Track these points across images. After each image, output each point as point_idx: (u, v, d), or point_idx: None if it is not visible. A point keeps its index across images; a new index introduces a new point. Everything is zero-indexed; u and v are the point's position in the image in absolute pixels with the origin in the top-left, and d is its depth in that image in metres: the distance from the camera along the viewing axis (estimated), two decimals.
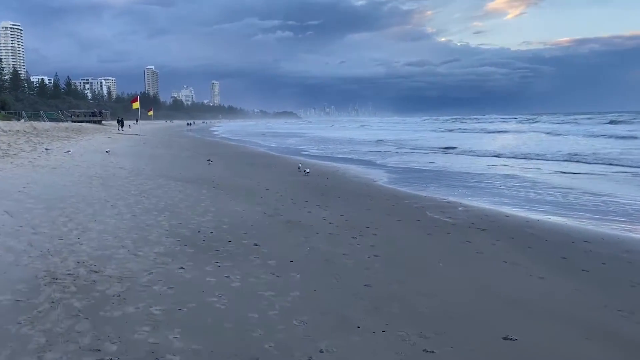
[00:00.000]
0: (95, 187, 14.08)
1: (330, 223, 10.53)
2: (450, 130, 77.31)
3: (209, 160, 24.20)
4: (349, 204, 13.25)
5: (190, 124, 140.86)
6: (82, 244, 8.05)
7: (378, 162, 27.91)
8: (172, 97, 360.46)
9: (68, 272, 6.69)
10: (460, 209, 12.94)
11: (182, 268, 7.11)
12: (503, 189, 17.23)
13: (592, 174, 21.43)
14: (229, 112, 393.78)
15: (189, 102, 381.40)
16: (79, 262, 7.12)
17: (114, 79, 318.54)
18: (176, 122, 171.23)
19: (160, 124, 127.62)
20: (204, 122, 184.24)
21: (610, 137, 45.42)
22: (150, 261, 7.35)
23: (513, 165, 25.51)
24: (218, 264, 7.35)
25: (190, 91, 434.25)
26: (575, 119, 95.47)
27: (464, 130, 75.18)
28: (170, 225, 9.69)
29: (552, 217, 12.13)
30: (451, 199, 14.77)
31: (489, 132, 65.69)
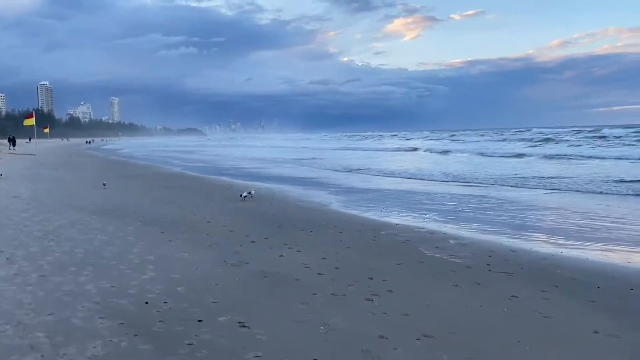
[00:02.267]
0: None
1: (319, 274, 7.93)
2: (354, 149, 77.15)
3: (104, 184, 20.73)
4: (320, 240, 10.70)
5: (90, 142, 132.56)
6: None
7: (309, 180, 25.52)
8: (68, 114, 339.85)
9: None
10: (452, 241, 10.81)
11: None
12: (466, 211, 15.50)
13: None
14: (130, 129, 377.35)
15: (87, 119, 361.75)
16: None
17: (3, 94, 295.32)
18: (73, 140, 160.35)
19: (57, 142, 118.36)
20: (102, 140, 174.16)
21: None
22: None
23: (440, 184, 24.06)
24: None
25: (88, 108, 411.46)
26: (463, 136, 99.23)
27: (366, 149, 75.29)
28: (100, 293, 6.66)
29: (562, 249, 10.26)
30: (427, 226, 12.68)
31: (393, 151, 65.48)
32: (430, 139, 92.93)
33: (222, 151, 70.07)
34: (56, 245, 9.16)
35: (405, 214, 14.92)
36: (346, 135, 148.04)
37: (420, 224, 13.07)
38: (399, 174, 29.13)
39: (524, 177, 25.04)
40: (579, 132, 75.65)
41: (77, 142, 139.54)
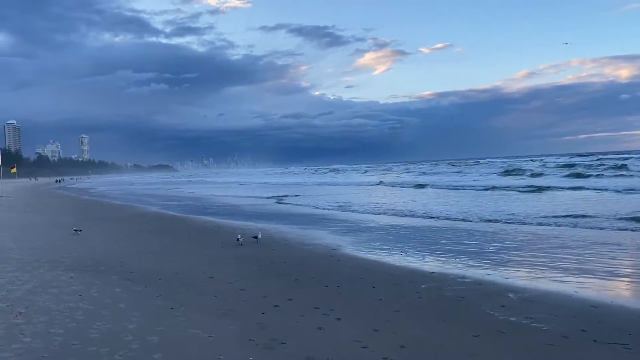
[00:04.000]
0: None
1: (384, 359, 5.94)
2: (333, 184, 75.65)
3: (76, 230, 18.28)
4: (355, 299, 8.74)
5: (59, 180, 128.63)
6: None
7: (302, 219, 23.48)
8: (36, 153, 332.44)
9: None
10: (511, 295, 8.99)
11: None
12: (493, 251, 13.78)
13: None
14: (100, 166, 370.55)
15: (56, 158, 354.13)
16: None
17: None
18: (42, 179, 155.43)
19: (24, 182, 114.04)
20: (72, 179, 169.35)
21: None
22: None
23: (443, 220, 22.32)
24: None
25: (57, 146, 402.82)
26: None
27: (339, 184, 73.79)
28: None
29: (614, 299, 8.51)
30: (468, 274, 10.86)
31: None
32: (408, 172, 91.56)
33: (195, 188, 67.46)
34: (25, 324, 6.97)
35: (429, 258, 13.09)
36: (320, 169, 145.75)
37: (457, 271, 11.25)
38: (390, 210, 27.15)
39: (513, 213, 23.09)
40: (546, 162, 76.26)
41: (46, 181, 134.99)
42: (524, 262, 12.37)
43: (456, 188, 43.68)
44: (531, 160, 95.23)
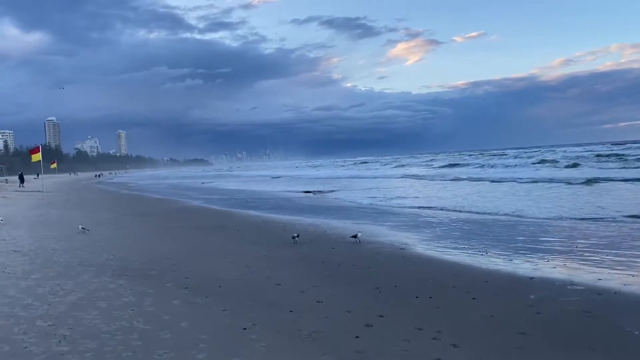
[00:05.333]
0: None
1: None
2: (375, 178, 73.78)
3: (83, 228, 16.70)
4: (460, 317, 7.22)
5: (98, 175, 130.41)
6: None
7: (352, 212, 21.92)
8: (75, 149, 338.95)
9: None
10: None
11: None
12: (582, 249, 11.90)
13: None
14: (137, 161, 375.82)
15: (94, 153, 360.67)
16: None
17: (11, 131, 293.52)
18: (81, 174, 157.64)
19: (65, 177, 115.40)
20: (110, 173, 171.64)
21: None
22: None
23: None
24: None
25: (95, 142, 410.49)
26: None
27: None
28: None
29: None
30: (575, 279, 9.20)
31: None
32: (445, 163, 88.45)
33: (228, 182, 66.52)
34: (71, 353, 5.66)
35: (517, 259, 11.45)
36: (352, 162, 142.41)
37: (559, 276, 9.62)
38: (441, 204, 25.23)
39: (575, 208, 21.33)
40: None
41: (85, 176, 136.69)
42: (631, 263, 10.63)
43: (501, 180, 41.13)
44: (574, 148, 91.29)
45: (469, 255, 12.05)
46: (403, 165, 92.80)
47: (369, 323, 6.78)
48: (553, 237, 14.15)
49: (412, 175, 57.82)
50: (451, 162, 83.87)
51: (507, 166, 62.50)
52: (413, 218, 19.96)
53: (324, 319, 7.01)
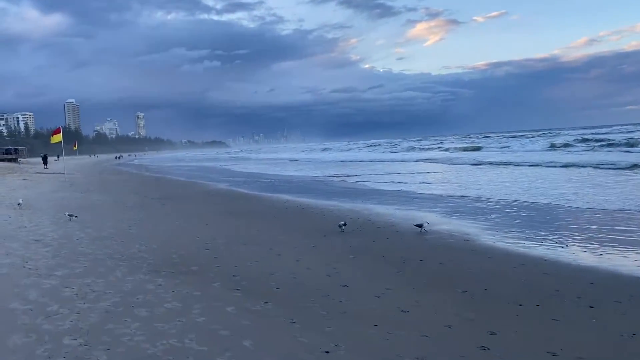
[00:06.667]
0: None
1: None
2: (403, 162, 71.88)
3: (70, 215, 14.84)
4: (584, 333, 5.73)
5: (119, 157, 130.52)
6: None
7: (390, 196, 20.33)
8: (95, 131, 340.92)
9: None
10: None
11: None
12: None
13: None
14: (156, 143, 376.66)
15: (113, 135, 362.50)
16: None
17: (31, 113, 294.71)
18: (101, 156, 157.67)
19: (85, 159, 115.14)
20: (130, 155, 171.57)
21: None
22: None
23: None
24: None
25: (115, 124, 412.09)
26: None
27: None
28: None
29: None
30: None
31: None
32: (471, 145, 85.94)
33: (247, 165, 65.16)
34: None
35: (607, 253, 9.89)
36: (371, 144, 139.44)
37: None
38: (482, 190, 23.64)
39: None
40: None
41: (105, 157, 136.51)
42: None
43: (536, 164, 38.52)
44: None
45: (548, 248, 10.53)
46: (424, 149, 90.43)
47: (483, 345, 5.33)
48: (632, 226, 12.53)
49: (434, 159, 55.68)
50: (475, 145, 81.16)
51: (532, 151, 59.51)
52: (459, 204, 18.38)
53: (421, 337, 5.57)
